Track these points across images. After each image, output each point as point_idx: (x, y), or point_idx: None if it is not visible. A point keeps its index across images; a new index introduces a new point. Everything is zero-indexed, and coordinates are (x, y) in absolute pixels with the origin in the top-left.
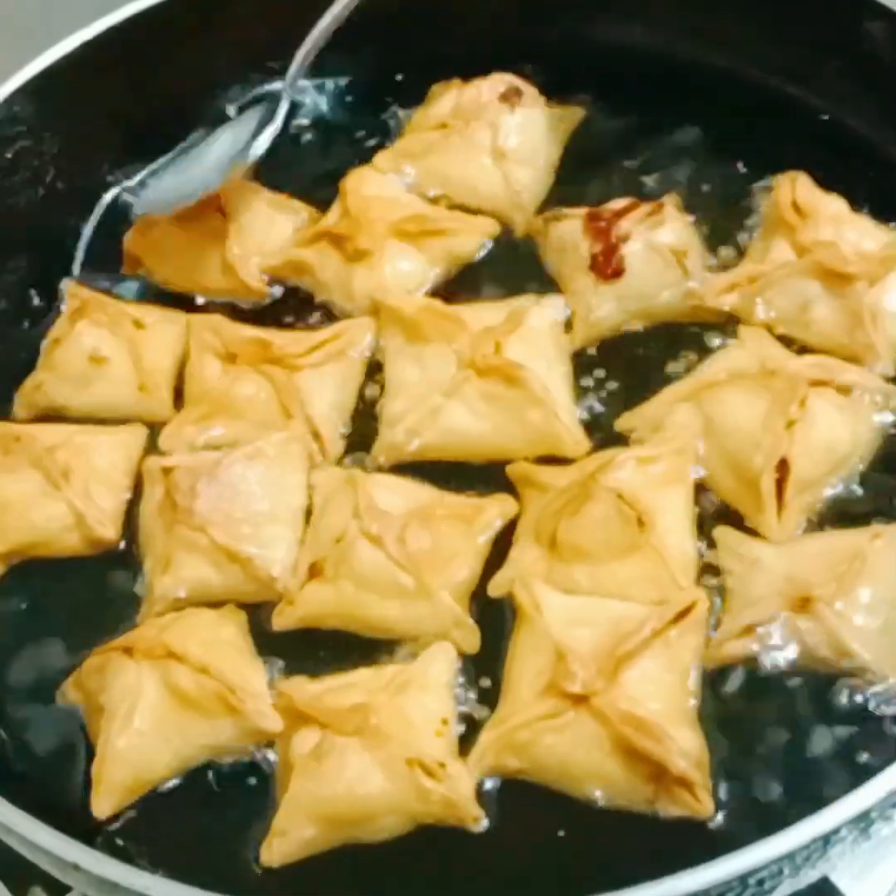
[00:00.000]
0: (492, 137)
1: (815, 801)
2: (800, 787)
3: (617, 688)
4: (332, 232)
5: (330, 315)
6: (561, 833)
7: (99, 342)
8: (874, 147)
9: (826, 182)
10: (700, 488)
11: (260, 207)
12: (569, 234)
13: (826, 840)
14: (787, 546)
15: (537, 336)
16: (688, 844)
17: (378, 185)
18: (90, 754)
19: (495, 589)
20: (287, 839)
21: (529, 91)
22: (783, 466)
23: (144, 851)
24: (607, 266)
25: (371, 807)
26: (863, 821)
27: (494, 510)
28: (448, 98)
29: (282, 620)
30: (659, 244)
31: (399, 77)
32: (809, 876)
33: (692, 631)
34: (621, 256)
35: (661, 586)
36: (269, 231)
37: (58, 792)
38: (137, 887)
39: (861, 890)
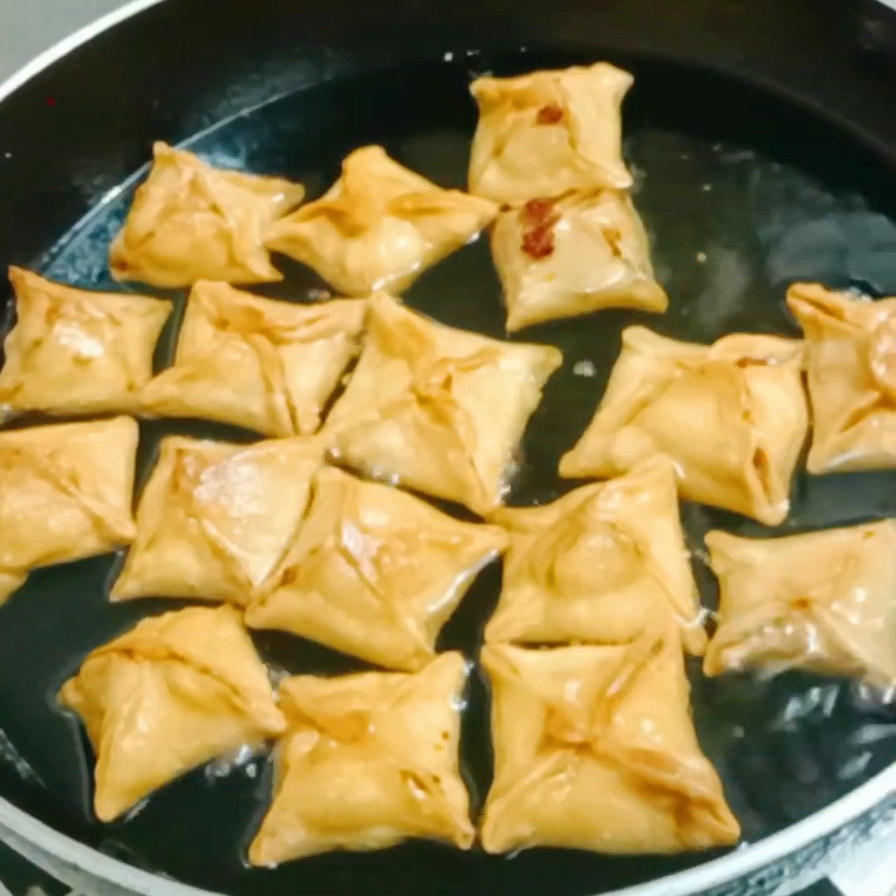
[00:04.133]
0: None
1: (816, 802)
2: (800, 787)
3: (616, 729)
4: (330, 207)
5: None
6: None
7: (80, 344)
8: (875, 149)
9: (824, 181)
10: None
11: (245, 195)
12: (510, 222)
13: (826, 840)
14: (781, 548)
15: (497, 382)
16: None
17: (379, 165)
18: (89, 755)
19: (494, 634)
20: (276, 840)
21: None
22: (757, 454)
23: (144, 852)
24: (537, 244)
25: (361, 815)
26: (863, 821)
27: (484, 542)
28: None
29: (252, 619)
30: (589, 223)
31: None
32: (810, 876)
33: (671, 660)
34: (551, 234)
35: (663, 613)
36: (262, 215)
37: (58, 793)
38: (137, 888)
39: (861, 891)
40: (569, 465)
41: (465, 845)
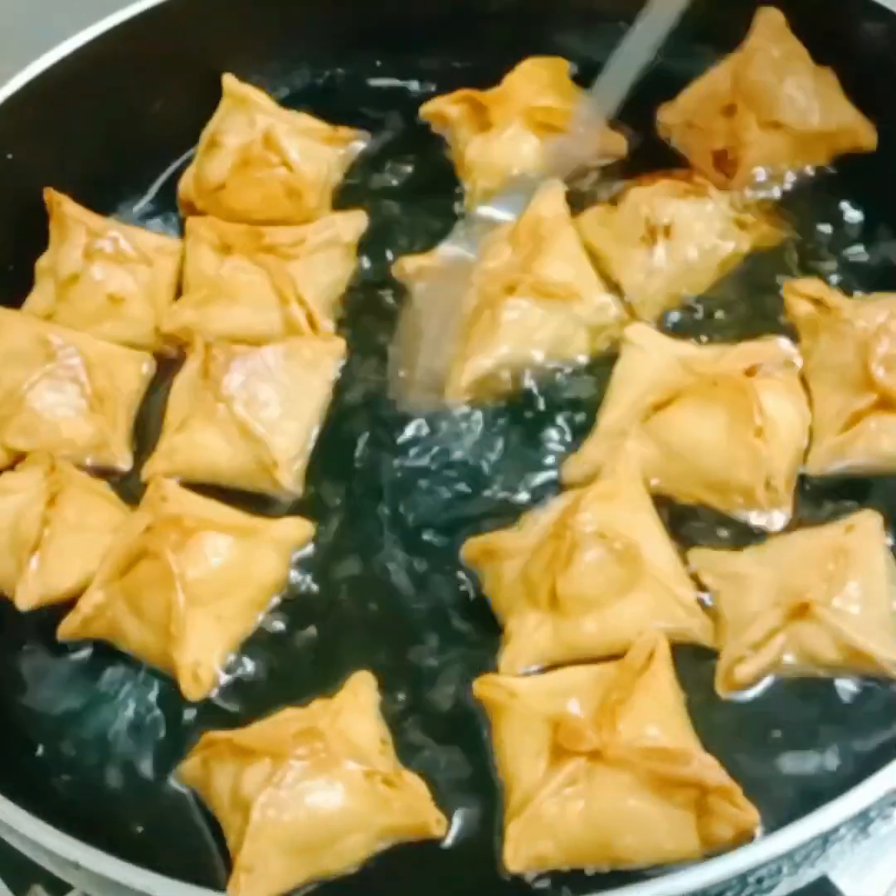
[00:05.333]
0: None
1: (815, 800)
2: (798, 786)
3: (623, 734)
4: (472, 96)
5: None
6: None
7: (115, 282)
8: (874, 149)
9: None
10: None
11: (315, 147)
12: (641, 195)
13: (825, 839)
14: (768, 554)
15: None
16: None
17: (552, 76)
18: (89, 752)
19: (509, 666)
20: (254, 875)
21: None
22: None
23: (144, 851)
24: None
25: (335, 825)
26: (862, 819)
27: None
28: None
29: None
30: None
31: None
32: (809, 875)
33: (662, 668)
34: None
35: (669, 611)
36: (330, 167)
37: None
38: (138, 887)
39: (860, 889)
40: (572, 469)
41: (439, 831)
